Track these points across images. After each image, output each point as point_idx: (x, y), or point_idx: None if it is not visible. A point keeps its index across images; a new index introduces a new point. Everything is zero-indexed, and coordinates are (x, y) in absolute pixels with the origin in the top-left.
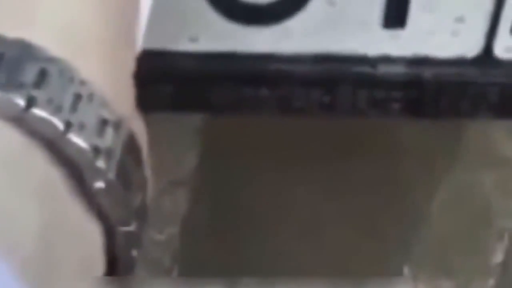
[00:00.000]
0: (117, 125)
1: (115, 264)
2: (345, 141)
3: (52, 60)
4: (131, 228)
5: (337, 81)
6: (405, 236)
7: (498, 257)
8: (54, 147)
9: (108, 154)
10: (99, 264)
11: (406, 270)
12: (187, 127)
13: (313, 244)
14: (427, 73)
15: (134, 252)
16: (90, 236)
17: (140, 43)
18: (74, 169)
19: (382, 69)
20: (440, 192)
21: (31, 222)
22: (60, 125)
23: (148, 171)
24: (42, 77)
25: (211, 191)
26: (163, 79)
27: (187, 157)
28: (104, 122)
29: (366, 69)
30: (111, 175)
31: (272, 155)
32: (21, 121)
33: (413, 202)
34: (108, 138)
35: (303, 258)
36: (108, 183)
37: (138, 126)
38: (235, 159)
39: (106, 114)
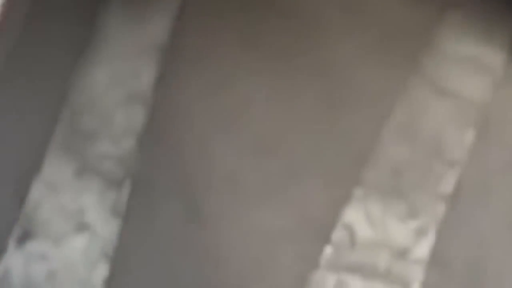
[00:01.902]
0: None
1: None
2: None
3: None
4: None
5: None
6: (358, 158)
7: (448, 186)
8: None
9: None
10: None
11: (357, 191)
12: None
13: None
14: None
15: None
16: None
17: None
18: None
19: None
20: (394, 118)
21: None
22: None
23: None
24: None
25: (171, 103)
26: None
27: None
28: None
29: None
30: None
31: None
32: None
33: (364, 122)
34: None
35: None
36: None
37: None
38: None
39: None
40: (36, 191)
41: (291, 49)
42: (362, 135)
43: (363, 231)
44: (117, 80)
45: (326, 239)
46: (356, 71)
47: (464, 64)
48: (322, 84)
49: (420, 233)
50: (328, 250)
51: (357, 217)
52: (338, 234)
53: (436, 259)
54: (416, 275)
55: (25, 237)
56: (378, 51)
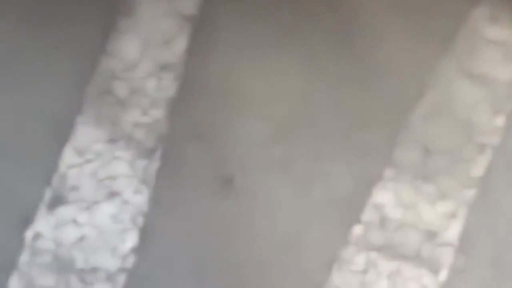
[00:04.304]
0: None
1: None
2: None
3: None
4: None
5: None
6: (389, 138)
7: (479, 170)
8: None
9: None
10: None
11: (388, 172)
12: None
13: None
14: None
15: None
16: None
17: None
18: None
19: None
20: (425, 100)
21: None
22: None
23: None
24: None
25: (200, 76)
26: None
27: (177, 39)
28: None
29: None
30: None
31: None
32: None
33: (398, 105)
34: None
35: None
36: None
37: None
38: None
39: None
40: (68, 157)
41: (332, 30)
42: (394, 115)
43: (393, 212)
44: (149, 50)
45: (356, 219)
46: (393, 50)
47: (495, 49)
48: (356, 61)
49: (450, 216)
50: (357, 229)
51: (388, 198)
52: (368, 214)
53: (465, 243)
54: (445, 259)
55: (56, 202)
56: (415, 31)
